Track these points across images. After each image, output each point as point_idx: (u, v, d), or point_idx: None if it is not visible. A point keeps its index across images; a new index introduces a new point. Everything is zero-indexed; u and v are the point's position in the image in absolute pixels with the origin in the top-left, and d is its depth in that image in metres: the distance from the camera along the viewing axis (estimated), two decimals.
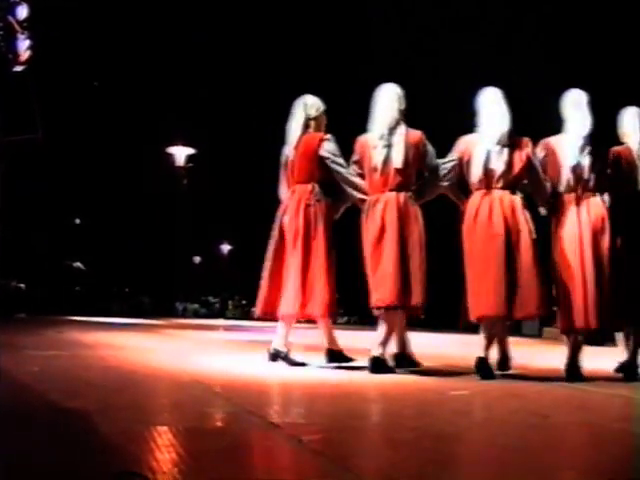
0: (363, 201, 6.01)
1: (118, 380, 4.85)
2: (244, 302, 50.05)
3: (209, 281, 52.18)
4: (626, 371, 5.82)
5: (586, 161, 5.76)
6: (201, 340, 12.10)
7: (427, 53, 22.55)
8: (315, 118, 6.29)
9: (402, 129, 5.90)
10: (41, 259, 36.21)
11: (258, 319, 6.50)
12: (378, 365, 5.67)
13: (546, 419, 3.78)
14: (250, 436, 2.88)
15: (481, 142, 5.79)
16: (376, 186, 5.89)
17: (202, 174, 35.52)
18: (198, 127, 34.74)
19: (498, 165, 5.70)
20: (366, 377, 5.57)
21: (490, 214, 5.65)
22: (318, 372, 5.99)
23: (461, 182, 5.95)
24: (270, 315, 6.23)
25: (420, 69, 21.73)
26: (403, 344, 6.08)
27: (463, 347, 7.29)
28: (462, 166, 5.87)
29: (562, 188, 5.81)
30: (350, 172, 6.07)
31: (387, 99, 6.01)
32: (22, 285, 30.93)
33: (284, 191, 6.35)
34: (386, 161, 5.84)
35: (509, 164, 5.70)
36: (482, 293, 5.58)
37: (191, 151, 31.09)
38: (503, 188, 5.71)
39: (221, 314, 45.10)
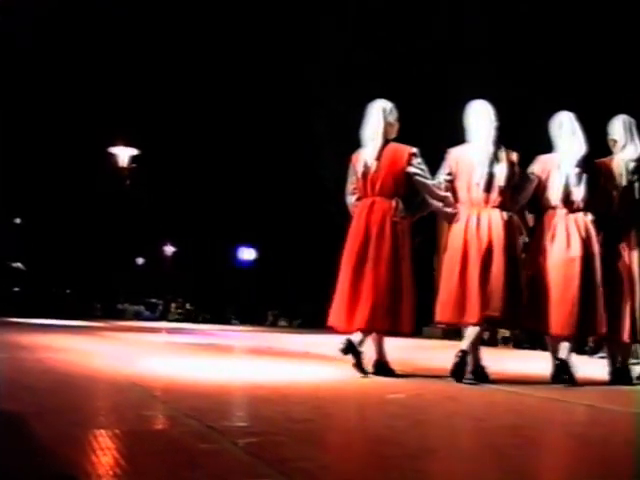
0: (453, 215, 5.97)
1: (55, 383, 4.82)
2: (188, 305, 49.81)
3: (152, 283, 51.81)
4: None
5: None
6: (142, 343, 12.02)
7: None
8: (392, 124, 6.21)
9: (501, 146, 5.96)
10: None
11: (335, 331, 6.28)
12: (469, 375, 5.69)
13: (479, 422, 3.86)
14: (187, 439, 2.89)
15: (561, 164, 5.98)
16: (477, 202, 5.87)
17: (146, 175, 35.26)
18: (142, 128, 34.47)
19: (578, 189, 5.94)
20: (304, 381, 5.61)
21: (568, 236, 5.88)
22: (258, 376, 6.01)
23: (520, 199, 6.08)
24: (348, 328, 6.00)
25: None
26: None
27: (402, 351, 7.37)
28: (539, 185, 6.04)
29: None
30: (437, 185, 6.02)
31: (483, 114, 6.02)
32: None
33: (353, 200, 6.23)
34: (491, 178, 5.86)
35: (587, 187, 5.95)
36: (560, 313, 5.78)
37: (134, 152, 30.79)
38: (579, 210, 5.95)
39: (163, 316, 44.80)
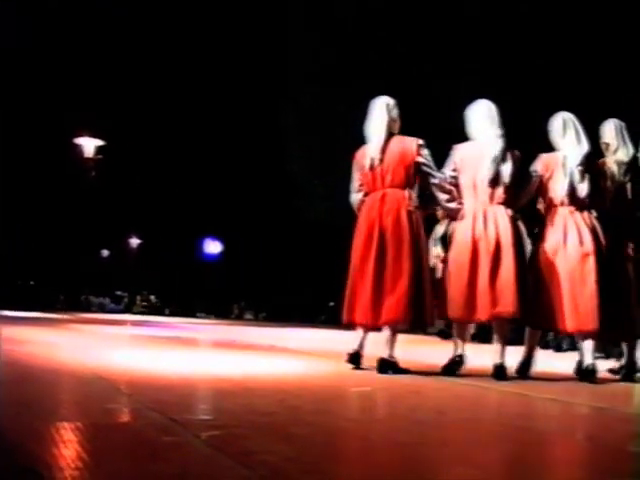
0: (457, 211, 6.04)
1: (18, 375, 4.78)
2: (153, 298, 49.55)
3: (117, 275, 51.49)
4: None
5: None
6: (107, 335, 11.96)
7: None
8: (395, 120, 6.22)
9: (506, 144, 6.02)
10: None
11: (349, 327, 6.24)
12: (499, 374, 5.69)
13: (442, 415, 3.90)
14: (149, 432, 2.89)
15: (565, 162, 6.07)
16: (482, 199, 5.94)
17: (111, 166, 35.02)
18: (108, 119, 34.22)
19: (582, 186, 6.03)
20: (269, 374, 5.62)
21: (579, 232, 5.96)
22: (222, 369, 6.01)
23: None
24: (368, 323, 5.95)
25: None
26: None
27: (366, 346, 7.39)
28: (542, 183, 6.14)
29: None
30: (442, 179, 6.06)
31: (484, 113, 6.11)
32: None
33: (359, 195, 6.21)
34: (497, 175, 5.92)
35: (591, 185, 6.05)
36: (579, 310, 5.84)
37: (100, 142, 30.54)
38: (584, 207, 6.06)
39: (128, 309, 44.55)
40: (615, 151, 6.36)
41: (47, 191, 40.14)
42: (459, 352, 5.95)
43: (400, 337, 5.97)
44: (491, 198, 5.93)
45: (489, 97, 6.26)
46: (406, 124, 6.25)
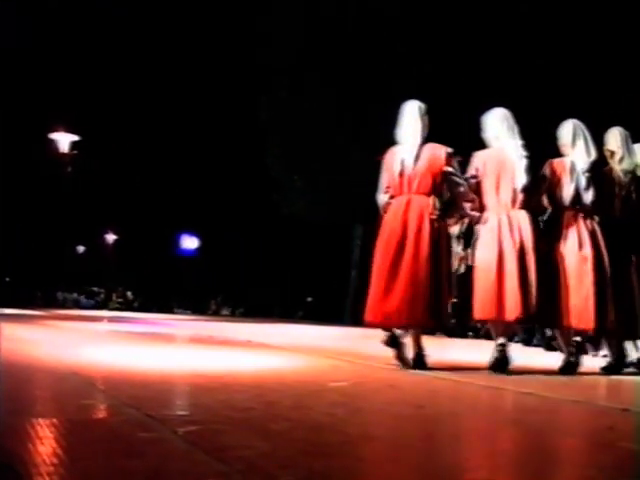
0: (479, 217, 6.17)
1: None
2: (129, 294, 49.34)
3: (93, 271, 51.23)
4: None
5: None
6: (83, 331, 11.90)
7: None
8: (427, 125, 6.28)
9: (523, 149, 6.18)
10: None
11: (369, 326, 6.26)
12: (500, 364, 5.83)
13: (419, 409, 3.90)
14: (126, 428, 2.88)
15: (573, 168, 6.23)
16: (505, 203, 6.09)
17: (87, 162, 34.82)
18: (83, 114, 34.02)
19: (587, 192, 6.21)
20: (246, 369, 5.61)
21: (580, 236, 6.15)
22: (199, 365, 6.00)
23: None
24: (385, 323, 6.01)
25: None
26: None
27: (344, 341, 7.41)
28: (549, 186, 6.29)
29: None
30: (468, 189, 6.17)
31: (502, 120, 6.26)
32: None
33: (386, 197, 6.24)
34: (521, 180, 6.08)
35: (596, 191, 6.23)
36: (577, 308, 6.03)
37: (75, 138, 30.35)
38: (587, 212, 6.23)
39: (104, 305, 44.33)
40: (620, 160, 6.51)
41: (22, 187, 39.82)
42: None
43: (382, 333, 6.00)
44: (513, 203, 6.10)
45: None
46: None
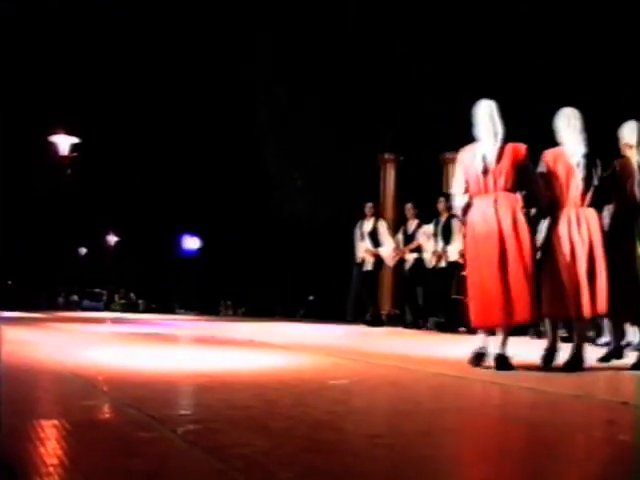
0: (545, 214, 6.26)
1: None
2: (132, 295, 49.37)
3: (95, 273, 51.27)
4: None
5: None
6: (86, 333, 11.90)
7: None
8: (501, 123, 6.26)
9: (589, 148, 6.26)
10: None
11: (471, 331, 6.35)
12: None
13: (419, 406, 3.92)
14: (126, 429, 2.90)
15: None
16: (575, 201, 6.18)
17: (88, 164, 34.83)
18: (83, 116, 34.02)
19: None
20: (247, 368, 5.62)
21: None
22: (200, 364, 6.01)
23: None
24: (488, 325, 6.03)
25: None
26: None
27: (345, 339, 7.42)
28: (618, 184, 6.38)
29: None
30: (542, 184, 6.21)
31: (569, 120, 6.30)
32: None
33: (465, 197, 6.20)
34: (588, 179, 6.16)
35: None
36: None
37: (75, 140, 30.34)
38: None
39: (107, 307, 44.33)
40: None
41: (23, 190, 39.84)
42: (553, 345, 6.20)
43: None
44: (582, 200, 6.17)
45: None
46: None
